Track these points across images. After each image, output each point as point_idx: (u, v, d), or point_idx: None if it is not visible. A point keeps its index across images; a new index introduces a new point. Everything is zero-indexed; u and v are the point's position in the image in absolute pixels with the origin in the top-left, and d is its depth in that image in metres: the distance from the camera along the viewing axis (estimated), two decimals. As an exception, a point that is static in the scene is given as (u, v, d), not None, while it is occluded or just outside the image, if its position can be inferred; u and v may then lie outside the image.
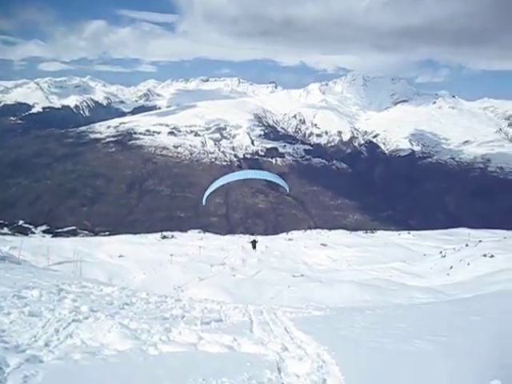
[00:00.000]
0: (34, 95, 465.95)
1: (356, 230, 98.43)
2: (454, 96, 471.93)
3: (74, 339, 8.14)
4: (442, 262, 46.05)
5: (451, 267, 42.04)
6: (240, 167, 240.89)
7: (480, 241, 55.70)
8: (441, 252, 50.95)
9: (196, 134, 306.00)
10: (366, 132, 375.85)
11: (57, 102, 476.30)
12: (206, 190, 20.80)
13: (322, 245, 65.94)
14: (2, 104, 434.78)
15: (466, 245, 52.88)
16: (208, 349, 8.25)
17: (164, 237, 77.20)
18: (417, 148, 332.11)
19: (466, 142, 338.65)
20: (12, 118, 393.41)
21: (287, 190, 23.03)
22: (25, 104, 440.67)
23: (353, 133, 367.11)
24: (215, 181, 20.47)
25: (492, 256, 41.76)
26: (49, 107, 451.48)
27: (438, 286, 34.57)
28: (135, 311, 11.71)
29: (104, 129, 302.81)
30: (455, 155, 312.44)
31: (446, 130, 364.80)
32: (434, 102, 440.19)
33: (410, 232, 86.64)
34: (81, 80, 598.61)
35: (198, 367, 6.98)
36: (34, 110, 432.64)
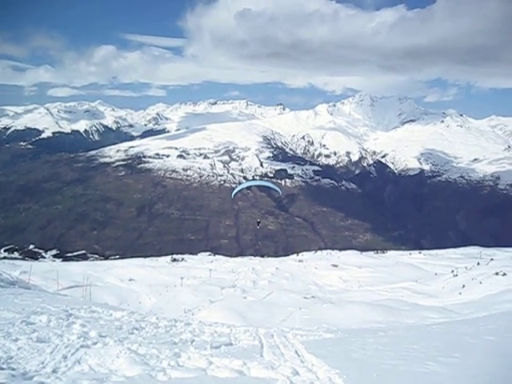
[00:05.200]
0: (44, 120, 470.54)
1: (367, 250, 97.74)
2: (461, 114, 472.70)
3: (82, 365, 8.07)
4: (454, 281, 45.59)
5: (463, 286, 41.60)
6: (249, 189, 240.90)
7: (492, 259, 55.24)
8: (452, 271, 50.44)
9: (205, 157, 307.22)
10: (374, 152, 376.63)
11: (66, 127, 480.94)
12: (233, 190, 28.62)
13: (333, 266, 65.47)
14: (13, 129, 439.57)
15: (478, 263, 52.38)
16: (217, 374, 8.14)
17: (174, 260, 77.00)
18: (426, 167, 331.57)
19: (475, 160, 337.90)
20: (22, 143, 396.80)
21: (279, 192, 27.55)
22: (35, 129, 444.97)
23: (361, 153, 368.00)
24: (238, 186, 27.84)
25: (504, 274, 41.30)
26: (58, 132, 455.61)
27: (450, 305, 34.20)
28: (144, 336, 11.62)
29: (113, 153, 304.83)
30: (465, 173, 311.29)
31: (454, 148, 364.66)
32: (442, 121, 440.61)
33: (421, 251, 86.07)
34: (90, 105, 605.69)
35: (207, 393, 6.87)
36: (43, 135, 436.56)
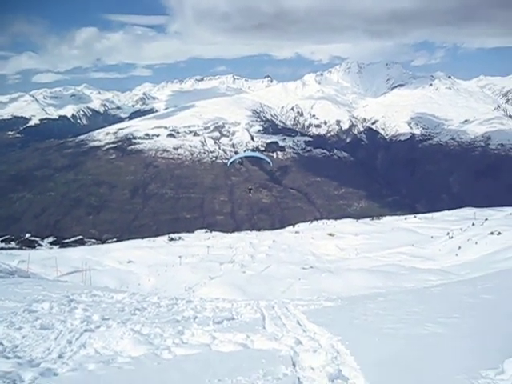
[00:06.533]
0: (31, 108, 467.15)
1: (362, 217, 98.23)
2: (449, 76, 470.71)
3: (88, 349, 8.12)
4: (450, 243, 45.99)
5: (459, 247, 42.00)
6: (241, 164, 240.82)
7: (486, 219, 55.62)
8: (448, 233, 50.85)
9: (195, 134, 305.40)
10: (364, 119, 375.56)
11: (54, 113, 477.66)
12: (230, 159, 32.04)
13: (329, 235, 65.89)
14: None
15: (473, 224, 52.79)
16: (222, 348, 8.22)
17: (171, 239, 77.29)
18: (416, 131, 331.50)
19: (466, 121, 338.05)
20: (10, 132, 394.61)
21: (270, 163, 30.00)
22: (22, 117, 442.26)
23: (351, 121, 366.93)
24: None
25: (499, 233, 41.69)
26: (46, 119, 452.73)
27: (447, 267, 34.56)
28: (147, 316, 11.69)
29: (103, 136, 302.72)
30: (455, 135, 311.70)
31: (444, 111, 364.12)
32: (431, 84, 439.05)
33: (416, 216, 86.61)
34: (76, 89, 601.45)
35: (212, 368, 6.95)
36: (31, 123, 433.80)
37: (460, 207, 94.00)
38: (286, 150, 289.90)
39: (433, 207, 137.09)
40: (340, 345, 7.91)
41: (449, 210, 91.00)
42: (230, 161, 30.85)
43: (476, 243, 41.15)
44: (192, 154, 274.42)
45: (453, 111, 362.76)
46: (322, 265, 43.96)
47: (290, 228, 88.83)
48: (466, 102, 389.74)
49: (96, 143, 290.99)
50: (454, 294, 13.10)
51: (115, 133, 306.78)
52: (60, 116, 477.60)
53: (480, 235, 43.73)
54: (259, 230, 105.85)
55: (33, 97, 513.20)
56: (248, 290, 31.42)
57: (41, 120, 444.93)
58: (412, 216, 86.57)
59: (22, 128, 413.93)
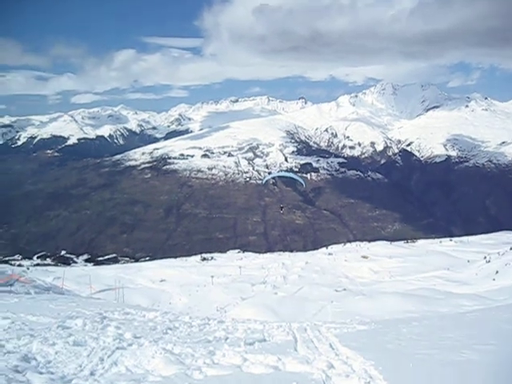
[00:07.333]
0: (69, 127, 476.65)
1: (396, 240, 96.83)
2: (486, 98, 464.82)
3: (119, 367, 8.16)
4: (487, 268, 44.98)
5: (497, 272, 41.03)
6: (275, 185, 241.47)
7: (525, 243, 54.35)
8: (485, 257, 49.76)
9: (229, 155, 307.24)
10: (399, 141, 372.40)
11: (91, 133, 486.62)
12: (264, 178, 31.95)
13: (363, 257, 65.09)
14: (39, 138, 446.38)
15: (511, 248, 51.59)
16: (253, 370, 8.15)
17: (204, 259, 77.39)
18: (452, 153, 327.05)
19: (503, 143, 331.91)
20: (49, 151, 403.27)
21: (303, 184, 30.54)
22: (60, 137, 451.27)
23: (386, 142, 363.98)
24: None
25: (539, 258, 40.68)
26: (84, 138, 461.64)
27: (484, 292, 33.78)
28: (178, 335, 11.71)
29: (139, 156, 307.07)
30: (492, 157, 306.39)
31: (480, 132, 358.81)
32: (467, 106, 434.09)
33: (452, 239, 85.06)
34: (113, 110, 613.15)
35: (243, 389, 6.89)
36: (69, 142, 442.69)
37: (497, 230, 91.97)
38: (320, 171, 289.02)
39: (469, 230, 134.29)
40: (373, 369, 7.78)
41: (486, 233, 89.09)
42: (265, 179, 31.81)
43: (514, 268, 40.20)
44: (226, 175, 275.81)
45: (490, 133, 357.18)
46: (355, 287, 43.43)
47: (323, 250, 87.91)
48: (503, 124, 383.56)
49: (132, 163, 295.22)
50: (491, 320, 12.80)
51: (151, 153, 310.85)
52: (97, 136, 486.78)
53: (518, 260, 42.72)
54: (292, 251, 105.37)
55: (71, 117, 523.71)
56: (280, 312, 31.19)
57: (79, 139, 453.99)
58: (447, 239, 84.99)
59: (60, 147, 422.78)
